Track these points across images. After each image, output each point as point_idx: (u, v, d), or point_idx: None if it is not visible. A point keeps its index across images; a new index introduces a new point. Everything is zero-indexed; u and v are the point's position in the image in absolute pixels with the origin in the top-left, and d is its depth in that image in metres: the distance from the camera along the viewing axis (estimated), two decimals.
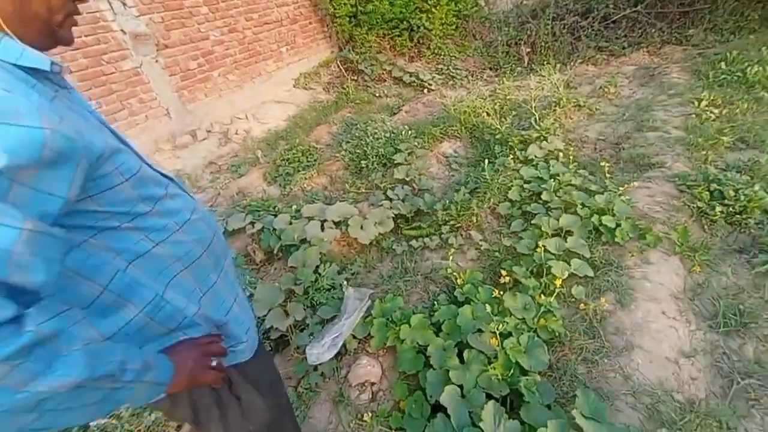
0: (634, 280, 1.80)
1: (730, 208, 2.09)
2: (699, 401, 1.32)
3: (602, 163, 2.52)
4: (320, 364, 1.79)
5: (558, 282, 1.74)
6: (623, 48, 5.00)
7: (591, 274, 1.86)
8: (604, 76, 4.40)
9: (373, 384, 1.70)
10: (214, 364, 0.79)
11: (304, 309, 2.03)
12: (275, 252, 2.53)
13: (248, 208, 3.04)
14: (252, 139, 4.53)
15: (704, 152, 2.67)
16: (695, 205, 2.17)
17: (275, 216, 2.78)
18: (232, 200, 3.42)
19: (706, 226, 2.09)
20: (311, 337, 1.92)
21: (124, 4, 3.61)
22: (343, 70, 5.83)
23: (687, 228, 2.01)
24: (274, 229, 2.60)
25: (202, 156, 4.22)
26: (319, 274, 2.21)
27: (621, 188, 2.26)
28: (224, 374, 0.82)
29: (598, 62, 4.93)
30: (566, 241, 2.03)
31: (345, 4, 5.62)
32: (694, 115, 3.18)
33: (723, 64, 3.89)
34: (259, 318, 2.04)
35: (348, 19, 5.77)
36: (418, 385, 1.60)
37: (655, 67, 4.42)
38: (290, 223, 2.64)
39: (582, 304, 1.75)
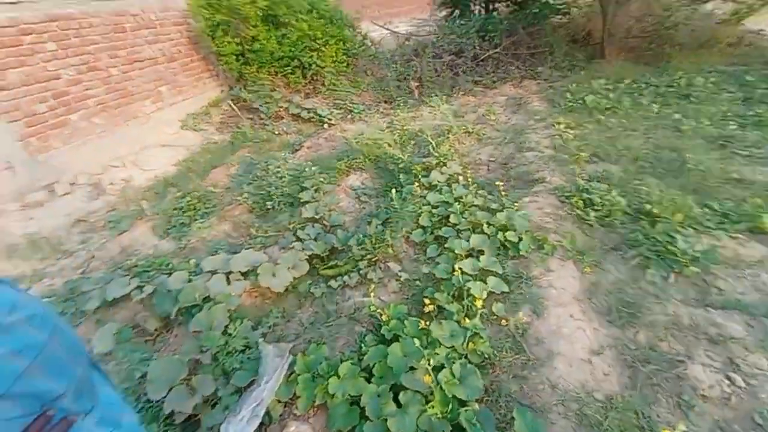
0: (542, 289, 1.95)
1: (600, 212, 2.45)
2: (616, 396, 1.43)
3: (497, 183, 2.77)
4: None
5: (479, 303, 1.78)
6: (494, 82, 5.79)
7: (506, 289, 1.95)
8: (484, 106, 4.99)
9: None
10: None
11: (215, 380, 1.71)
12: (173, 317, 2.13)
13: (134, 269, 2.56)
14: (134, 189, 3.93)
15: (571, 166, 3.14)
16: (575, 213, 2.50)
17: (169, 275, 2.38)
18: (113, 262, 2.85)
19: (586, 231, 2.41)
20: (227, 412, 1.61)
21: None
22: (237, 109, 5.55)
23: (573, 234, 2.28)
24: (169, 291, 2.21)
25: (65, 213, 3.49)
26: (229, 335, 1.92)
27: (516, 204, 2.49)
28: None
29: (476, 94, 5.59)
30: (479, 261, 2.12)
31: (230, 42, 5.43)
32: (557, 136, 3.75)
33: (568, 94, 4.74)
34: (155, 402, 1.66)
35: (235, 57, 5.57)
36: None
37: (520, 97, 5.18)
38: (189, 281, 2.28)
39: (503, 321, 1.81)
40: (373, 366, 1.66)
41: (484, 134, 4.18)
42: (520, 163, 3.36)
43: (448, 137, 3.96)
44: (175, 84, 5.15)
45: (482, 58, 5.99)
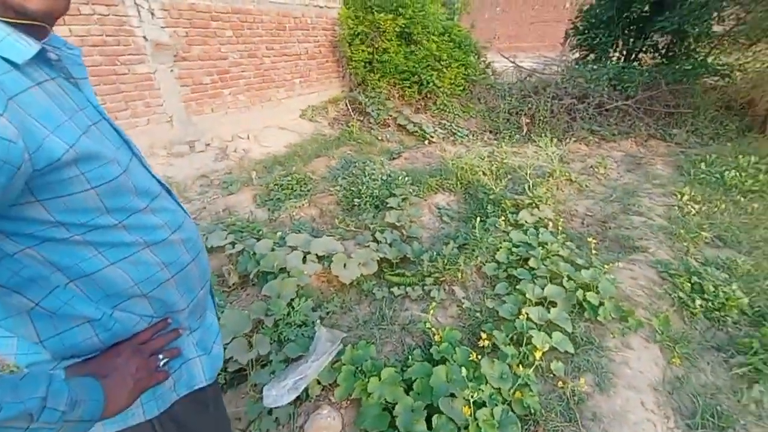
0: (614, 364, 1.76)
1: (710, 303, 2.12)
2: None
3: (589, 239, 2.57)
4: (276, 408, 1.64)
5: (538, 354, 1.68)
6: (613, 134, 5.34)
7: (571, 350, 1.81)
8: (595, 157, 4.64)
9: None
10: (161, 364, 0.68)
11: (270, 343, 1.90)
12: (251, 277, 2.41)
13: (232, 227, 2.95)
14: (249, 160, 4.52)
15: (685, 244, 2.76)
16: (677, 295, 2.20)
17: (258, 240, 2.69)
18: (217, 216, 3.33)
19: (686, 318, 2.10)
20: (272, 376, 1.78)
21: (152, 14, 3.72)
22: (351, 110, 6.02)
23: (668, 317, 2.01)
24: (254, 253, 2.50)
25: (196, 167, 4.17)
26: (293, 308, 2.10)
27: (606, 266, 2.28)
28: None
29: (590, 143, 5.22)
30: (549, 312, 1.99)
31: (363, 50, 5.94)
32: (676, 207, 3.33)
33: (703, 164, 4.16)
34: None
35: (363, 64, 6.07)
36: None
37: (641, 156, 4.70)
38: (272, 250, 2.55)
39: (560, 382, 1.68)
40: (414, 380, 1.67)
41: (587, 186, 3.89)
42: (621, 225, 3.05)
43: (548, 180, 3.79)
44: (308, 79, 5.81)
45: (608, 107, 5.57)
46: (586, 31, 6.94)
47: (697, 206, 3.30)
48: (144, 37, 3.71)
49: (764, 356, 1.77)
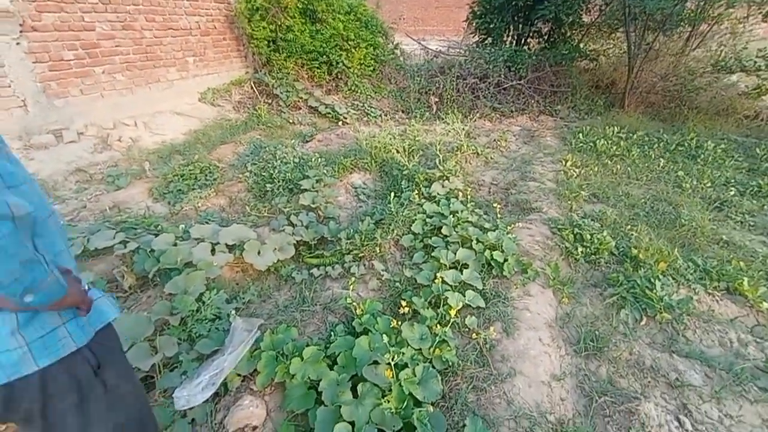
0: (517, 311, 1.96)
1: (588, 249, 2.48)
2: (567, 420, 1.44)
3: (495, 205, 2.80)
4: (191, 409, 1.50)
5: (453, 312, 1.80)
6: (512, 111, 5.88)
7: (483, 305, 1.97)
8: (497, 131, 5.06)
9: (255, 428, 1.47)
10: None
11: (179, 343, 1.72)
12: (151, 277, 2.15)
13: (122, 224, 2.57)
14: (139, 149, 3.97)
15: (569, 202, 3.17)
16: (564, 246, 2.53)
17: (156, 236, 2.39)
18: (102, 215, 2.87)
19: (571, 264, 2.43)
20: (183, 377, 1.62)
21: None
22: (257, 92, 5.64)
23: (558, 264, 2.30)
24: (152, 251, 2.22)
25: (67, 161, 3.53)
26: (203, 303, 1.93)
27: (508, 227, 2.52)
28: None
29: (493, 119, 5.68)
30: (462, 274, 2.14)
31: (264, 28, 5.55)
32: (562, 172, 3.80)
33: (581, 135, 4.81)
34: None
35: (266, 42, 5.69)
36: (307, 427, 1.44)
37: (534, 130, 5.26)
38: (175, 245, 2.29)
39: (474, 334, 1.82)
40: (338, 355, 1.67)
41: (491, 158, 4.24)
42: (520, 191, 3.40)
43: (456, 154, 4.02)
44: (203, 57, 5.25)
45: (505, 86, 6.09)
46: (483, 16, 7.41)
47: (577, 170, 3.81)
48: None
49: (627, 286, 2.15)
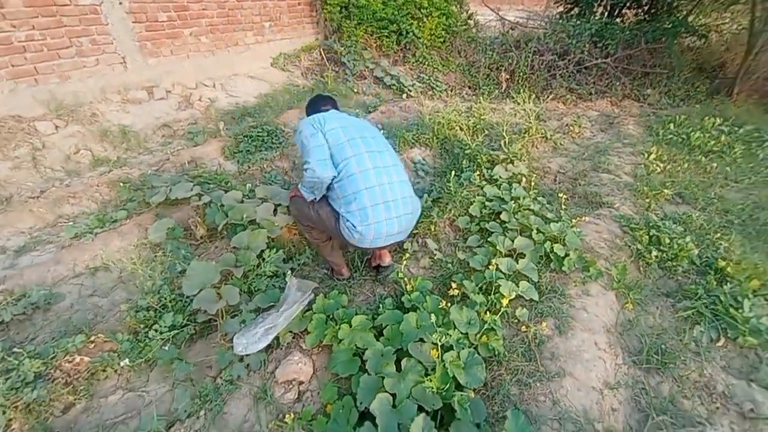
0: (573, 309, 1.86)
1: (664, 254, 2.24)
2: None
3: (560, 195, 2.61)
4: (247, 356, 1.65)
5: (505, 301, 1.74)
6: (590, 94, 5.33)
7: (536, 298, 1.89)
8: (571, 116, 4.65)
9: (301, 383, 1.59)
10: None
11: (240, 294, 1.87)
12: (219, 229, 2.33)
13: (198, 178, 2.80)
14: (216, 110, 4.23)
15: (648, 200, 2.87)
16: (635, 247, 2.31)
17: (226, 192, 2.58)
18: (182, 168, 3.14)
19: (641, 268, 2.22)
20: (242, 325, 1.77)
21: None
22: (326, 59, 5.67)
23: (626, 267, 2.12)
24: (222, 205, 2.41)
25: (156, 116, 3.87)
26: (263, 259, 2.07)
27: (573, 220, 2.35)
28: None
29: (567, 102, 5.21)
30: (518, 263, 2.06)
31: None
32: (642, 166, 3.42)
33: (672, 125, 4.25)
34: (186, 297, 1.86)
35: (339, 8, 5.65)
36: (349, 390, 1.52)
37: (615, 116, 4.74)
38: (241, 202, 2.46)
39: (524, 327, 1.76)
40: (385, 327, 1.71)
41: (561, 144, 3.92)
42: (590, 182, 3.13)
43: (523, 137, 3.78)
44: (278, 22, 5.36)
45: (587, 65, 5.51)
46: None
47: (662, 165, 3.40)
48: None
49: (707, 301, 1.92)
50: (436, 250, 2.37)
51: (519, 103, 4.67)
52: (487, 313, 1.79)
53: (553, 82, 5.46)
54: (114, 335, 1.65)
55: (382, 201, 1.74)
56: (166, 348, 1.64)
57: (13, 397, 1.34)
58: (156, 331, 1.69)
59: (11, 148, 2.83)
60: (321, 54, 5.76)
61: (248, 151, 3.45)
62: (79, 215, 2.49)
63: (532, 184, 2.92)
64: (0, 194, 2.56)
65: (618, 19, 6.44)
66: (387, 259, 2.16)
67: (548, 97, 5.06)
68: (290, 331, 1.75)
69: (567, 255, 2.12)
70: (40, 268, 2.00)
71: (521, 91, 5.18)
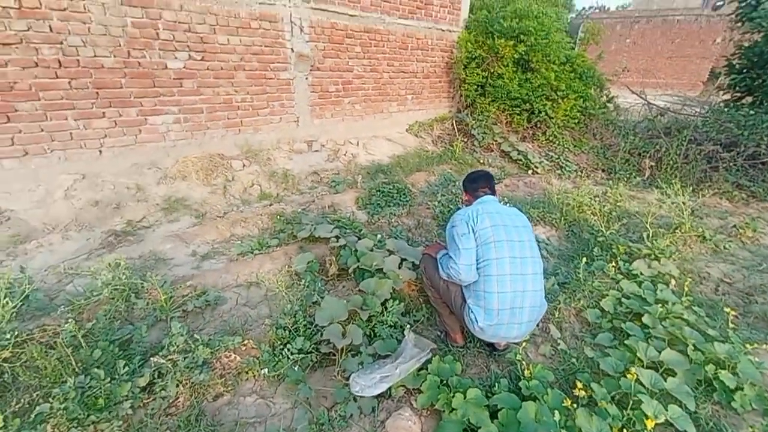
0: None
1: None
2: None
3: (726, 309, 2.19)
4: (361, 398, 1.73)
5: (650, 424, 1.49)
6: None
7: (692, 431, 1.56)
8: (740, 216, 3.95)
9: None
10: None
11: (362, 336, 2.01)
12: (350, 271, 2.59)
13: (336, 222, 3.20)
14: (356, 164, 4.86)
15: None
16: None
17: (359, 239, 2.88)
18: (323, 211, 3.64)
19: None
20: (360, 367, 1.88)
21: (302, 30, 4.29)
22: (456, 130, 6.09)
23: None
24: (356, 250, 2.68)
25: (310, 164, 4.63)
26: (386, 308, 2.20)
27: (748, 346, 1.92)
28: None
29: (734, 199, 4.45)
30: (665, 381, 1.75)
31: (477, 74, 6.00)
32: None
33: None
34: (318, 327, 2.07)
35: (475, 87, 6.12)
36: None
37: None
38: (371, 250, 2.71)
39: None
40: (500, 409, 1.62)
41: (726, 248, 3.32)
42: None
43: (673, 233, 3.34)
44: (419, 96, 6.06)
45: (764, 160, 4.70)
46: (745, 71, 5.98)
47: None
48: (291, 49, 4.29)
49: None
50: (559, 339, 2.19)
51: (667, 195, 4.18)
52: (624, 431, 1.54)
53: (714, 175, 4.78)
54: (259, 344, 1.93)
55: (509, 307, 1.77)
56: (295, 369, 1.83)
57: (186, 375, 1.66)
58: (288, 350, 1.92)
59: (213, 177, 3.71)
60: (453, 125, 6.22)
61: (378, 204, 3.82)
62: (245, 237, 3.07)
63: (685, 289, 2.51)
64: (198, 211, 3.34)
65: None
66: (503, 344, 2.08)
67: (707, 191, 4.42)
68: (403, 386, 1.79)
69: (739, 388, 1.72)
70: (215, 274, 2.50)
71: (670, 181, 4.65)
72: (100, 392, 1.57)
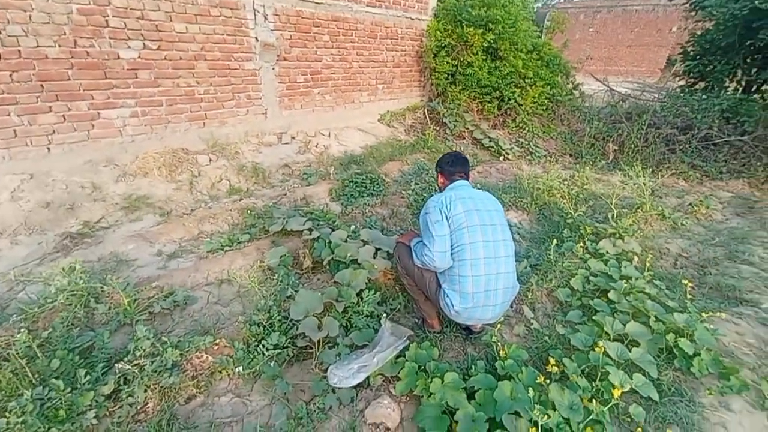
0: (708, 424, 1.56)
1: None
2: None
3: (684, 281, 2.32)
4: (339, 389, 1.72)
5: (616, 393, 1.55)
6: (721, 172, 4.76)
7: (655, 397, 1.64)
8: (695, 194, 4.18)
9: (387, 429, 1.58)
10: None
11: (339, 327, 1.99)
12: (324, 263, 2.55)
13: (309, 215, 3.14)
14: (328, 156, 4.77)
15: None
16: None
17: (332, 230, 2.84)
18: (296, 204, 3.56)
19: None
20: (337, 358, 1.86)
21: (266, 18, 4.13)
22: (428, 119, 6.09)
23: None
24: (329, 242, 2.64)
25: (280, 157, 4.50)
26: (362, 299, 2.18)
27: (704, 314, 2.04)
28: None
29: (690, 179, 4.71)
30: (630, 351, 1.84)
31: (447, 62, 6.00)
32: None
33: None
34: (293, 321, 2.03)
35: (446, 75, 6.12)
36: None
37: (755, 200, 4.13)
38: (345, 241, 2.67)
39: (639, 429, 1.53)
40: (477, 390, 1.64)
41: (683, 224, 3.51)
42: (725, 273, 2.71)
43: (635, 212, 3.49)
44: (390, 85, 6.01)
45: (716, 142, 4.99)
46: (698, 58, 6.28)
47: None
48: (255, 38, 4.12)
49: None
50: (532, 318, 2.25)
51: (630, 176, 4.37)
52: (593, 400, 1.60)
53: (671, 157, 5.03)
54: (232, 342, 1.87)
55: (484, 290, 1.80)
56: (271, 364, 1.79)
57: (155, 380, 1.58)
58: (263, 346, 1.87)
59: (177, 173, 3.54)
60: (425, 114, 6.22)
61: (352, 195, 3.77)
62: (214, 233, 2.96)
63: (647, 264, 2.64)
64: (163, 208, 3.18)
65: (756, 95, 5.82)
66: (478, 326, 2.12)
67: (666, 172, 4.65)
68: (381, 374, 1.78)
69: (697, 354, 1.83)
70: (183, 273, 2.40)
71: (632, 163, 4.86)
72: (61, 403, 1.48)
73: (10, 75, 2.75)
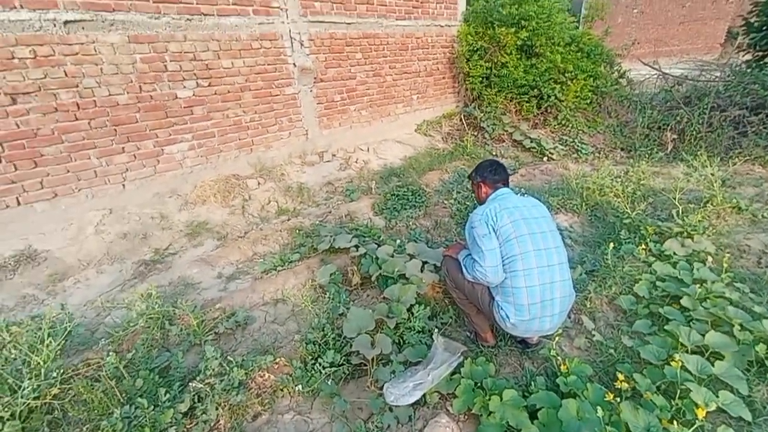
0: None
1: None
2: None
3: None
4: (396, 407, 1.72)
5: (701, 413, 1.42)
6: None
7: (748, 417, 1.48)
8: None
9: None
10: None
11: (391, 344, 2.00)
12: (372, 279, 2.59)
13: (354, 231, 3.21)
14: (368, 170, 4.87)
15: None
16: None
17: (378, 246, 2.88)
18: (340, 221, 3.66)
19: None
20: (392, 375, 1.87)
21: (302, 44, 4.34)
22: (465, 125, 6.02)
23: None
24: (376, 258, 2.68)
25: (323, 175, 4.67)
26: (412, 314, 2.18)
27: None
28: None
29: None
30: (713, 366, 1.67)
31: (481, 66, 5.91)
32: None
33: None
34: (346, 338, 2.07)
35: (480, 79, 6.03)
36: None
37: None
38: (392, 256, 2.70)
39: None
40: (539, 409, 1.58)
41: (765, 217, 3.15)
42: None
43: (704, 207, 3.19)
44: (424, 95, 6.03)
45: None
46: (764, 28, 5.67)
47: None
48: (293, 64, 4.34)
49: None
50: (593, 330, 2.12)
51: (694, 167, 4.01)
52: (673, 422, 1.48)
53: (742, 141, 4.55)
54: (290, 361, 1.95)
55: (540, 300, 1.73)
56: (329, 382, 1.85)
57: (224, 398, 1.69)
58: (320, 364, 1.93)
59: (230, 198, 3.79)
60: (461, 120, 6.15)
61: (395, 208, 3.81)
62: (267, 254, 3.12)
63: (724, 265, 2.39)
64: (220, 233, 3.42)
65: None
66: (535, 339, 2.03)
67: (737, 158, 4.21)
68: (437, 391, 1.77)
69: None
70: (242, 294, 2.55)
71: (695, 152, 4.46)
72: (146, 421, 1.62)
73: (89, 123, 3.11)
